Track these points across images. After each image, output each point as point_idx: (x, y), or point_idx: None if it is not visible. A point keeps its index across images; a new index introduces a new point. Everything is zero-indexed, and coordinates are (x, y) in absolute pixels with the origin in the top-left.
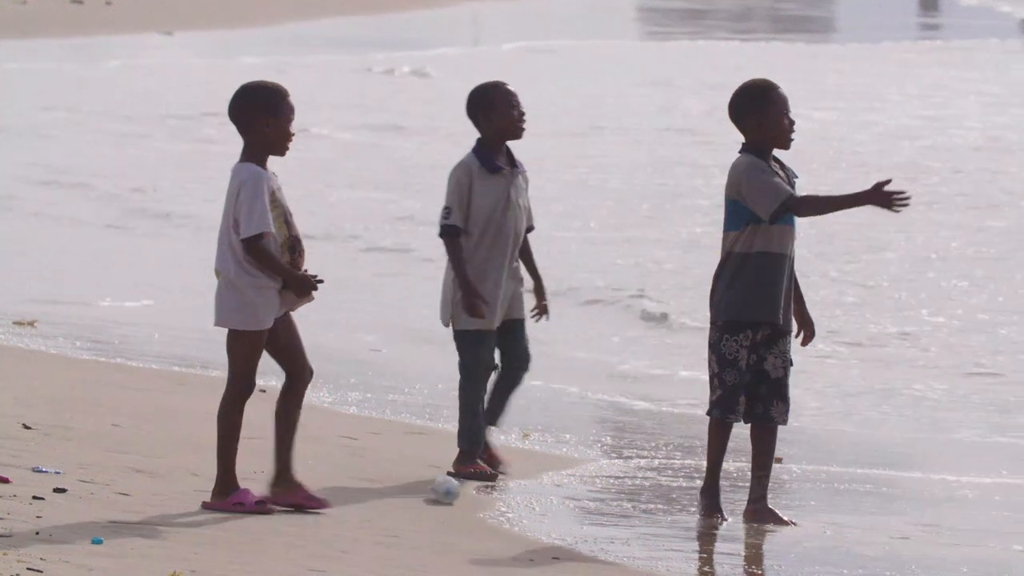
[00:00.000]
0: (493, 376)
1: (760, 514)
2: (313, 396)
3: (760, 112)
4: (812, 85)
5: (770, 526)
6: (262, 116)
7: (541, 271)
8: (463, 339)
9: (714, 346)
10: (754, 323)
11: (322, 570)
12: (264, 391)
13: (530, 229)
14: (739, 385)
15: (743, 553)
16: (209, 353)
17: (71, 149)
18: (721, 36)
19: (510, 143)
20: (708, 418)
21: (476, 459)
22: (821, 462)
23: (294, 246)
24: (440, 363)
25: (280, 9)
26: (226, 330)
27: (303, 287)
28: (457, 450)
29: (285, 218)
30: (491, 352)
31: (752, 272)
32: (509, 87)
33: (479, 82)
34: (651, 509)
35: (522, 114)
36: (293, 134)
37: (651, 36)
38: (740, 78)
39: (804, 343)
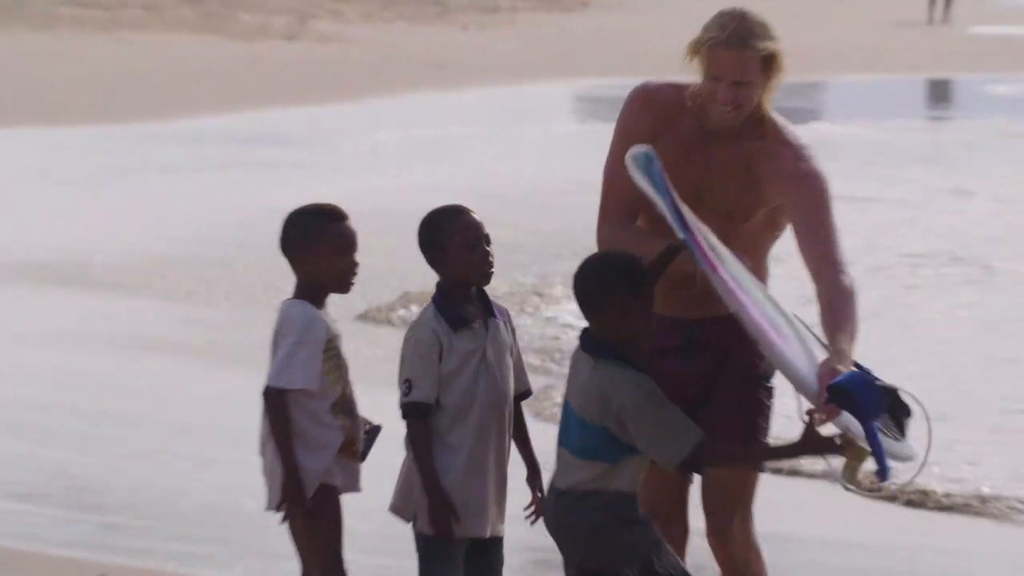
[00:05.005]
0: None
1: None
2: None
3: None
4: None
5: None
6: (299, 252)
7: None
8: (425, 547)
9: None
10: None
11: None
12: None
13: (524, 395)
14: None
15: None
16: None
17: None
18: None
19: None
20: None
21: None
22: None
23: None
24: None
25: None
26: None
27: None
28: None
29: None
30: (458, 571)
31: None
32: (471, 215)
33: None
34: None
35: (487, 253)
36: (354, 265)
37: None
38: None
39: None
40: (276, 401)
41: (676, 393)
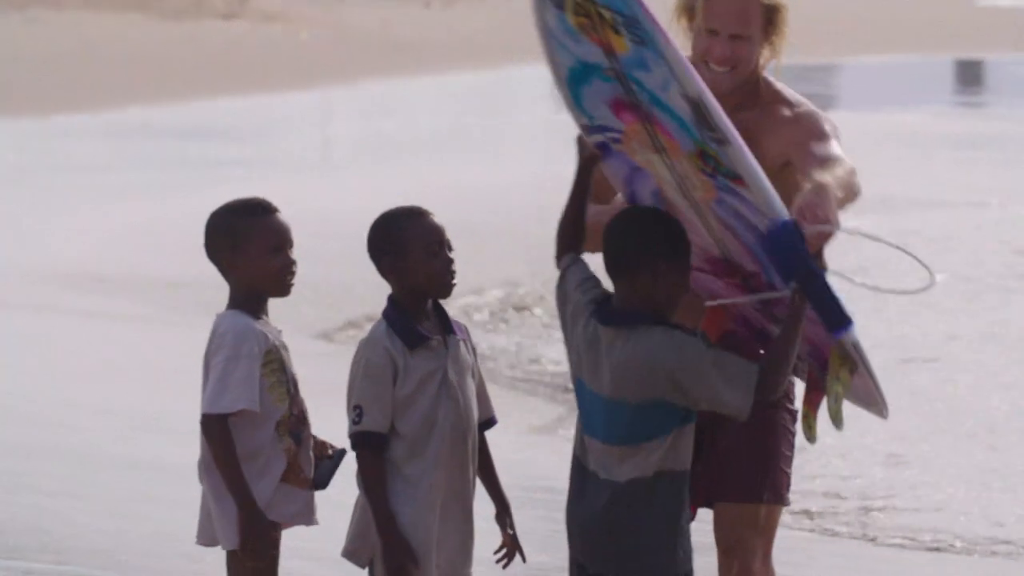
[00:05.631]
0: None
1: None
2: None
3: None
4: None
5: None
6: (227, 256)
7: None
8: None
9: None
10: None
11: None
12: None
13: (488, 423)
14: None
15: None
16: None
17: None
18: None
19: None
20: None
21: None
22: None
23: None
24: None
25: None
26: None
27: None
28: None
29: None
30: None
31: (677, 501)
32: (432, 218)
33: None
34: None
35: (450, 261)
36: (290, 263)
37: None
38: None
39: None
40: (217, 430)
41: None
